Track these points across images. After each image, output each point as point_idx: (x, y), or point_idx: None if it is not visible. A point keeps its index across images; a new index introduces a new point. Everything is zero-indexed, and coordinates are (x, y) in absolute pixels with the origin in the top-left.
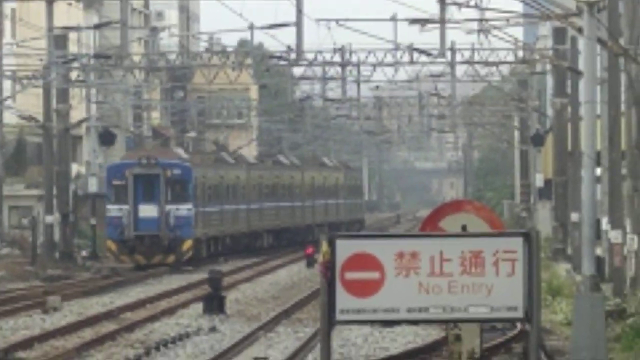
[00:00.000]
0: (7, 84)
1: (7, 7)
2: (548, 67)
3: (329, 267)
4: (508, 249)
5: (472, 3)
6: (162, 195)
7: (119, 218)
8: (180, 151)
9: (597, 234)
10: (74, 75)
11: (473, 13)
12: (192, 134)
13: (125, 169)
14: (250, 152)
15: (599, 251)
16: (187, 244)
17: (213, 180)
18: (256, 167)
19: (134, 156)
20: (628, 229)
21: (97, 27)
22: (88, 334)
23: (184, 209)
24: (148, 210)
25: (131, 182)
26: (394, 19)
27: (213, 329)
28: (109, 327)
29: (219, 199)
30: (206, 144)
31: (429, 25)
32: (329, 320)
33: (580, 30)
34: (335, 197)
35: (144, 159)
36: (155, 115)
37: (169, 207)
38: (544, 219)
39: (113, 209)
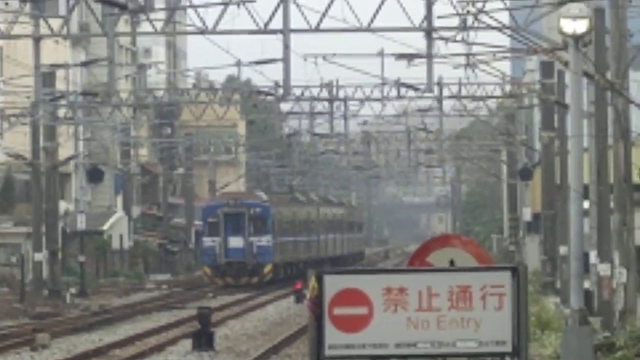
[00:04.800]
0: None
1: None
2: (535, 101)
3: (317, 302)
4: (496, 283)
5: (458, 38)
6: (246, 229)
7: (212, 248)
8: (261, 194)
9: (586, 267)
10: (61, 112)
11: (460, 48)
12: (181, 171)
13: (217, 208)
14: (239, 188)
15: (587, 285)
16: (268, 268)
17: (288, 217)
18: (322, 205)
19: (223, 198)
20: (616, 262)
21: (84, 64)
22: None
23: (264, 240)
24: (235, 242)
25: (222, 219)
26: (380, 54)
27: None
28: None
29: (293, 232)
30: (195, 180)
31: (416, 60)
32: (318, 356)
33: (566, 64)
34: (359, 230)
35: (231, 200)
36: (143, 152)
37: (252, 238)
38: (532, 253)
39: (207, 241)
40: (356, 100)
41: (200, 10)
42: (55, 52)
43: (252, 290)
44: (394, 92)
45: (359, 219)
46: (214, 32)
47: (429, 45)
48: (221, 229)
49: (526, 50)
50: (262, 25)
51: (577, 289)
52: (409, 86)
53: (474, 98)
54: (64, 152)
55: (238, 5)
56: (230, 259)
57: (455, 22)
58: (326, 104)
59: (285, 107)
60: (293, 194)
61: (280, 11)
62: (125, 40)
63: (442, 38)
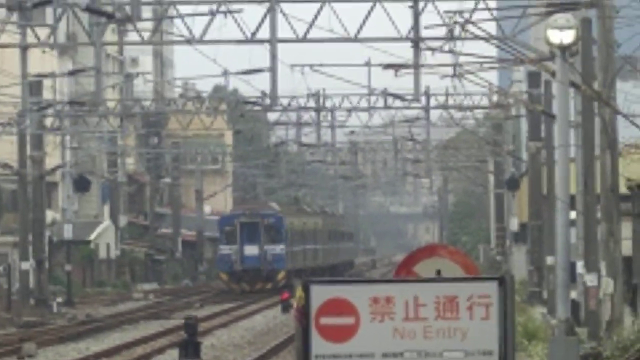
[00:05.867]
0: None
1: None
2: (522, 111)
3: (304, 312)
4: (482, 293)
5: (446, 48)
6: (261, 238)
7: (229, 255)
8: (274, 204)
9: (573, 277)
10: (48, 122)
11: (447, 58)
12: (167, 180)
13: (234, 218)
14: (226, 197)
15: (574, 295)
16: (281, 274)
17: (298, 227)
18: (326, 216)
19: (240, 209)
20: (603, 272)
21: (71, 73)
22: None
23: (278, 248)
24: (251, 250)
25: (238, 229)
26: (368, 64)
27: None
28: None
29: (302, 241)
30: (181, 189)
31: (403, 70)
32: None
33: (553, 74)
34: (350, 240)
35: (247, 211)
36: (130, 161)
37: (267, 247)
38: (519, 263)
39: (225, 249)
40: (343, 110)
41: (187, 19)
42: (42, 61)
43: (239, 299)
44: (381, 102)
45: (350, 229)
46: (201, 41)
47: (416, 55)
48: (238, 238)
49: (513, 61)
50: (249, 35)
51: (563, 299)
52: (396, 96)
53: (461, 108)
54: (50, 162)
55: (225, 14)
56: (246, 265)
57: (442, 32)
58: (313, 113)
59: (272, 116)
60: (299, 205)
61: (267, 21)
62: (112, 50)
63: (429, 48)
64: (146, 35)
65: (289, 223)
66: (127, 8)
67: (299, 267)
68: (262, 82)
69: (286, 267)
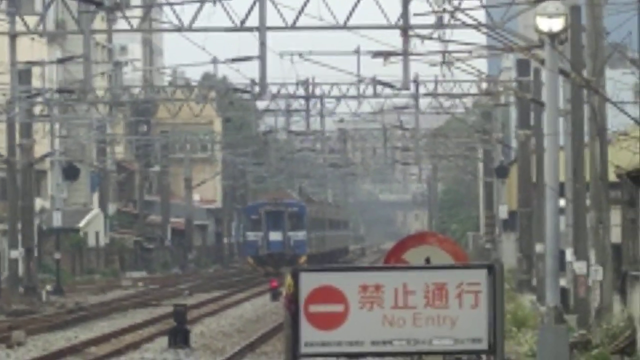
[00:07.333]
0: None
1: None
2: (512, 99)
3: (293, 300)
4: (471, 281)
5: (435, 36)
6: (285, 225)
7: (255, 241)
8: (295, 194)
9: (562, 265)
10: (37, 110)
11: (436, 45)
12: (157, 168)
13: (259, 207)
14: (215, 185)
15: (563, 282)
16: (303, 258)
17: (315, 215)
18: (333, 205)
19: (265, 198)
20: (592, 260)
21: (60, 61)
22: None
23: (300, 234)
24: (276, 236)
25: (264, 217)
26: (357, 52)
27: None
28: None
29: (319, 228)
30: (171, 177)
31: (392, 58)
32: (294, 354)
33: (542, 62)
34: (346, 227)
35: (272, 200)
36: (119, 149)
37: (290, 233)
38: (508, 251)
39: (251, 235)
40: (332, 98)
41: (176, 7)
42: (31, 49)
43: (228, 287)
44: (370, 90)
45: (346, 218)
46: (190, 29)
47: (405, 43)
48: (263, 225)
49: (502, 48)
50: (238, 22)
51: (553, 287)
52: (385, 84)
53: (450, 96)
54: (39, 150)
55: (214, 2)
56: (271, 250)
57: (431, 19)
58: (302, 101)
59: (261, 104)
60: (305, 196)
61: (256, 8)
62: (101, 38)
63: (418, 36)
64: (135, 23)
65: (309, 212)
66: None
67: (316, 252)
68: (251, 70)
69: (307, 252)
